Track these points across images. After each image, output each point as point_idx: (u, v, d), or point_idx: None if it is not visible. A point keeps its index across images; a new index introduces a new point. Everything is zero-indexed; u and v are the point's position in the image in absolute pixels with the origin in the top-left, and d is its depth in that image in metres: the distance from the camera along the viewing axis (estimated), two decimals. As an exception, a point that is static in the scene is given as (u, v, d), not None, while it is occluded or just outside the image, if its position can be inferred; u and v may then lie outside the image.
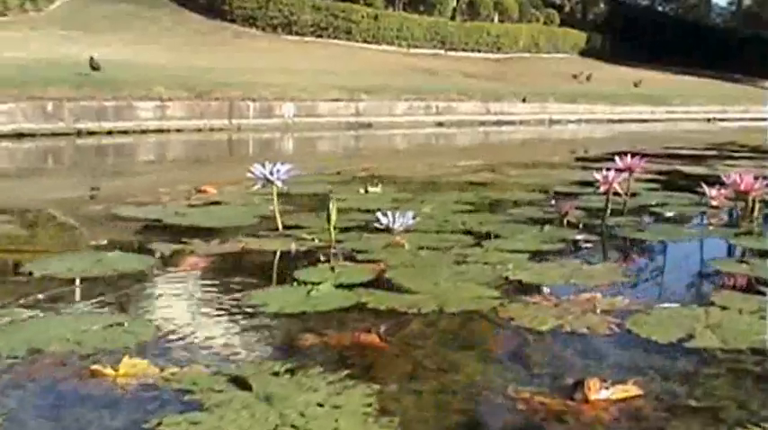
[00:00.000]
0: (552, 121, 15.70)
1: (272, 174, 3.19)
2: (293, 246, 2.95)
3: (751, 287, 2.40)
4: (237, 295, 2.25)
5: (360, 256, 2.77)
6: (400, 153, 9.50)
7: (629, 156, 3.86)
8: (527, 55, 27.78)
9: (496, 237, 3.13)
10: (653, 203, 4.16)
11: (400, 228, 3.16)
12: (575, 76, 23.89)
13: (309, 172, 5.81)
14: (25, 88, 9.25)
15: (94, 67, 10.94)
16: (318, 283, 2.35)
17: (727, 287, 2.43)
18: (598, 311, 2.08)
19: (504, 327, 1.97)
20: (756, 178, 3.43)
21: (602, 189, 3.32)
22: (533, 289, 2.33)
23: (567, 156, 8.34)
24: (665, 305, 2.15)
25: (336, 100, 12.63)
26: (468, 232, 3.22)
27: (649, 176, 5.52)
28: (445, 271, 2.53)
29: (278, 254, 2.86)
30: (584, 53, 30.03)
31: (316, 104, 12.27)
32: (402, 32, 24.43)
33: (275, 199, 3.25)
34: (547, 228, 3.30)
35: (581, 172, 5.80)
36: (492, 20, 28.13)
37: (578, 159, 7.73)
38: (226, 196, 4.23)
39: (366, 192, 4.41)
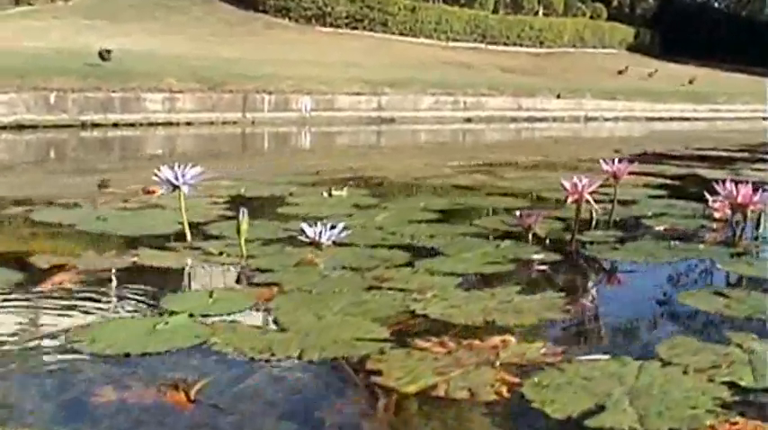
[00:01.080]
0: (588, 118, 15.08)
1: (177, 177, 2.76)
2: (189, 263, 2.53)
3: (716, 332, 1.90)
4: (66, 326, 1.84)
5: (260, 277, 2.33)
6: (412, 150, 9.02)
7: (616, 160, 3.37)
8: (571, 50, 27.01)
9: (437, 254, 2.66)
10: (648, 214, 3.65)
11: (327, 242, 2.71)
12: (620, 72, 23.14)
13: (287, 171, 5.41)
14: (29, 78, 8.99)
15: (104, 57, 10.66)
16: (179, 313, 1.93)
17: (686, 331, 1.94)
18: (497, 364, 1.61)
19: (360, 387, 1.52)
20: (757, 189, 2.90)
21: (570, 200, 2.83)
22: (437, 328, 1.86)
23: (586, 155, 7.76)
24: (591, 357, 1.67)
25: (357, 93, 12.20)
26: (407, 247, 2.77)
27: (661, 181, 5.00)
28: (344, 300, 2.08)
29: (166, 272, 2.43)
30: (631, 49, 29.13)
31: (335, 98, 11.86)
32: (441, 25, 23.87)
33: (183, 205, 2.83)
34: (505, 244, 2.83)
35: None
36: (536, 13, 27.41)
37: (593, 160, 7.16)
38: (170, 199, 3.81)
39: (330, 195, 3.97)
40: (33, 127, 8.72)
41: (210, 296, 2.09)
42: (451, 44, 23.92)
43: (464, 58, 20.64)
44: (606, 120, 15.19)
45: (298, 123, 11.29)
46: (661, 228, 3.31)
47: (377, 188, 4.43)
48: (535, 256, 2.66)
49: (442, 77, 14.96)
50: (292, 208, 3.60)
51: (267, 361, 1.64)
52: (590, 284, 2.45)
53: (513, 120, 14.10)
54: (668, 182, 5.07)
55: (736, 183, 2.93)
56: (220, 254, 2.64)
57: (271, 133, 10.50)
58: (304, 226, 2.75)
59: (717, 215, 3.47)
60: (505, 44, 25.49)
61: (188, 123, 10.14)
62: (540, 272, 2.50)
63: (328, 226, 2.73)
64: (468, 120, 13.51)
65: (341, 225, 2.75)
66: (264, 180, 4.53)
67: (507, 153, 8.29)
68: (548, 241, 2.93)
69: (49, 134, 8.70)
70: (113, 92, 9.49)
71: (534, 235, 2.93)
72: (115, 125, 9.44)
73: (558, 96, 14.67)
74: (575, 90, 15.38)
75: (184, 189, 2.78)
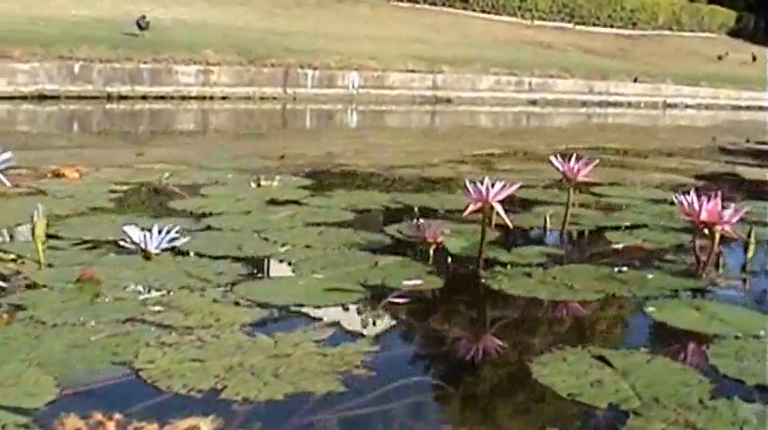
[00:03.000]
0: (667, 105, 14.02)
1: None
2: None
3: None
4: None
5: (15, 296, 1.80)
6: (440, 133, 8.32)
7: (573, 157, 2.68)
8: (666, 32, 25.54)
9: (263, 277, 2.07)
10: (625, 225, 2.94)
11: (156, 250, 2.15)
12: (719, 58, 21.64)
13: (254, 153, 4.86)
14: (55, 47, 8.71)
15: (141, 26, 10.31)
16: None
17: None
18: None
19: None
20: (726, 205, 2.19)
21: (468, 211, 2.17)
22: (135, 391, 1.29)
23: (628, 145, 6.94)
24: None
25: (411, 71, 11.56)
26: (256, 261, 2.19)
27: (685, 181, 4.24)
28: (59, 344, 1.52)
29: None
30: (732, 33, 27.39)
31: (385, 75, 11.25)
32: (525, 3, 22.85)
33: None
34: (386, 261, 2.21)
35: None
36: (629, -8, 26.01)
37: (624, 152, 6.35)
38: (69, 185, 3.31)
39: (258, 185, 3.40)
40: (55, 97, 8.43)
41: None
42: (536, 23, 22.90)
43: (545, 37, 19.64)
44: (687, 107, 14.09)
45: (344, 101, 10.73)
46: (620, 245, 2.61)
47: (325, 179, 3.83)
48: (407, 282, 2.02)
49: (512, 57, 14.13)
50: (195, 201, 3.05)
51: None
52: (422, 334, 1.78)
53: (584, 104, 13.20)
54: (693, 181, 4.29)
55: (707, 194, 2.22)
56: (14, 260, 2.11)
57: (310, 110, 9.99)
58: (128, 229, 2.19)
59: (706, 230, 2.74)
60: (595, 24, 24.26)
61: (223, 97, 9.71)
62: (389, 306, 1.86)
63: (163, 230, 2.17)
64: (533, 102, 12.70)
65: (175, 229, 2.19)
66: (207, 165, 3.99)
67: (547, 139, 7.51)
68: (450, 259, 2.29)
69: (72, 106, 8.40)
70: (144, 63, 9.13)
71: (441, 250, 2.30)
72: (144, 98, 9.09)
73: (636, 80, 13.66)
74: (655, 74, 14.31)
75: (-19, 177, 2.24)
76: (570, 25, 23.80)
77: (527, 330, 1.78)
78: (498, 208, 2.16)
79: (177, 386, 1.36)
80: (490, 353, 1.64)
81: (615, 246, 2.60)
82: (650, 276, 2.21)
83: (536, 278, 2.12)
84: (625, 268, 2.27)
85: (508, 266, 2.23)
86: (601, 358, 1.54)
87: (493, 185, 2.15)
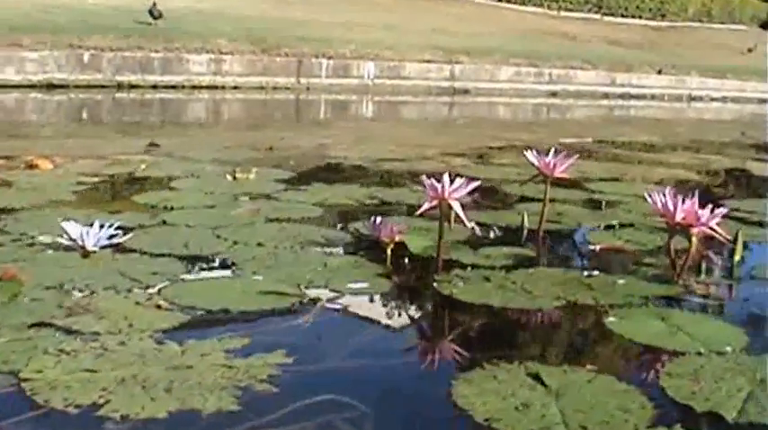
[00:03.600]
0: (692, 98, 13.70)
1: None
2: None
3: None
4: None
5: None
6: (447, 125, 8.15)
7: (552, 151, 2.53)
8: (695, 24, 25.04)
9: (228, 267, 1.94)
10: (611, 224, 2.78)
11: (94, 247, 2.04)
12: (749, 50, 21.17)
13: (244, 144, 4.74)
14: (64, 36, 8.65)
15: (154, 15, 10.22)
16: None
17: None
18: None
19: None
20: (706, 205, 2.03)
21: (422, 208, 2.03)
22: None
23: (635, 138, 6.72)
24: None
25: (428, 61, 11.36)
26: (198, 259, 2.07)
27: (691, 177, 4.07)
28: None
29: None
30: (764, 26, 26.80)
31: (402, 65, 11.06)
32: (553, -7, 22.52)
33: None
34: (336, 262, 2.08)
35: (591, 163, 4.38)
36: (659, -16, 25.55)
37: (635, 146, 6.13)
38: (39, 176, 3.21)
39: (234, 178, 3.28)
40: (64, 86, 8.37)
41: None
42: (563, 14, 22.56)
43: (570, 28, 19.32)
44: (713, 100, 13.77)
45: (358, 91, 10.57)
46: (598, 247, 2.46)
47: (306, 171, 3.70)
48: (352, 285, 1.89)
49: (534, 48, 13.88)
50: (161, 195, 2.93)
51: None
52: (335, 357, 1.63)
53: (606, 96, 12.93)
54: (697, 177, 4.11)
55: (683, 194, 2.06)
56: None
57: (324, 101, 9.85)
58: (66, 225, 2.08)
59: (694, 231, 2.58)
60: (623, 15, 23.85)
61: (235, 87, 9.60)
62: (320, 312, 1.73)
63: (104, 226, 2.06)
64: (553, 94, 12.45)
65: (111, 228, 2.07)
66: (191, 156, 3.88)
67: (560, 132, 7.32)
68: (408, 260, 2.15)
69: (81, 95, 8.34)
70: (155, 51, 9.04)
71: (402, 250, 2.16)
72: (154, 87, 9.00)
73: (660, 72, 13.36)
74: (680, 66, 14.00)
75: None
76: (597, 16, 23.41)
77: (463, 343, 1.63)
78: (456, 206, 2.02)
79: (56, 400, 1.24)
80: (413, 369, 1.50)
81: (592, 247, 2.44)
82: (621, 281, 2.05)
83: (494, 282, 1.97)
84: (596, 272, 2.12)
85: (468, 269, 2.09)
86: (536, 376, 1.39)
87: (452, 181, 2.00)
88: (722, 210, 2.04)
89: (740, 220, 2.84)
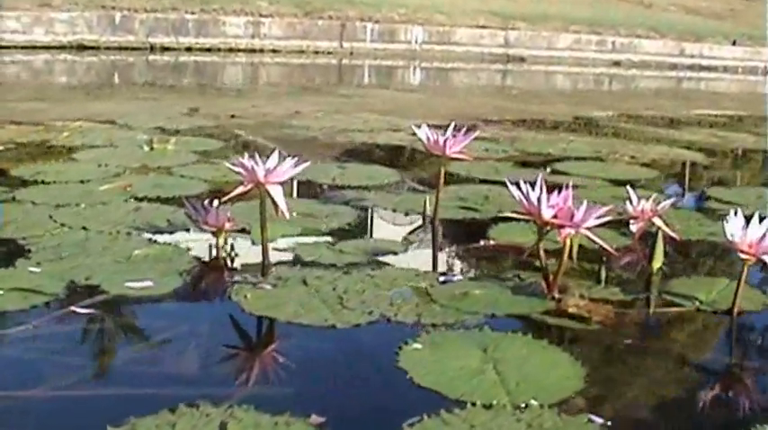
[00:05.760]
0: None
1: None
2: None
3: None
4: None
5: None
6: (483, 93, 7.70)
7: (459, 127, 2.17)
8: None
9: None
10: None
11: None
12: None
13: (210, 113, 4.46)
14: (97, -5, 8.54)
15: (195, -25, 10.03)
16: None
17: None
18: None
19: None
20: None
21: (232, 194, 1.71)
22: None
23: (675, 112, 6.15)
24: None
25: (481, 26, 10.88)
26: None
27: (692, 155, 3.63)
28: None
29: None
30: None
31: (453, 31, 10.62)
32: (636, -43, 21.45)
33: None
34: (152, 251, 1.79)
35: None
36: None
37: (655, 122, 5.59)
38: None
39: (151, 148, 3.02)
40: (95, 48, 8.28)
41: None
42: (646, -21, 21.52)
43: (650, -6, 18.34)
44: (794, 72, 12.81)
45: (405, 57, 10.20)
46: (492, 243, 2.09)
47: (240, 142, 3.40)
48: (132, 284, 1.60)
49: (599, 14, 13.17)
50: (45, 166, 2.66)
51: None
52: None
53: (674, 66, 12.17)
54: (699, 158, 3.66)
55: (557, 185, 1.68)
56: None
57: (368, 66, 9.52)
58: None
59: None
60: (712, -19, 22.63)
61: (273, 51, 9.36)
62: (61, 319, 1.44)
63: None
64: (617, 63, 11.79)
65: None
66: (130, 124, 3.62)
67: (591, 104, 6.80)
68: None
69: (112, 56, 8.23)
70: (191, 13, 8.86)
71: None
72: (188, 49, 8.84)
73: (734, 43, 12.50)
74: (756, 38, 13.06)
75: None
76: (683, -18, 22.26)
77: (183, 369, 1.31)
78: (274, 190, 1.69)
79: None
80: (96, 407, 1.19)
81: (484, 244, 2.08)
82: (477, 292, 1.69)
83: (311, 287, 1.64)
84: (456, 278, 1.77)
85: (298, 267, 1.76)
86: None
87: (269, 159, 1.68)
88: (602, 209, 1.65)
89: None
